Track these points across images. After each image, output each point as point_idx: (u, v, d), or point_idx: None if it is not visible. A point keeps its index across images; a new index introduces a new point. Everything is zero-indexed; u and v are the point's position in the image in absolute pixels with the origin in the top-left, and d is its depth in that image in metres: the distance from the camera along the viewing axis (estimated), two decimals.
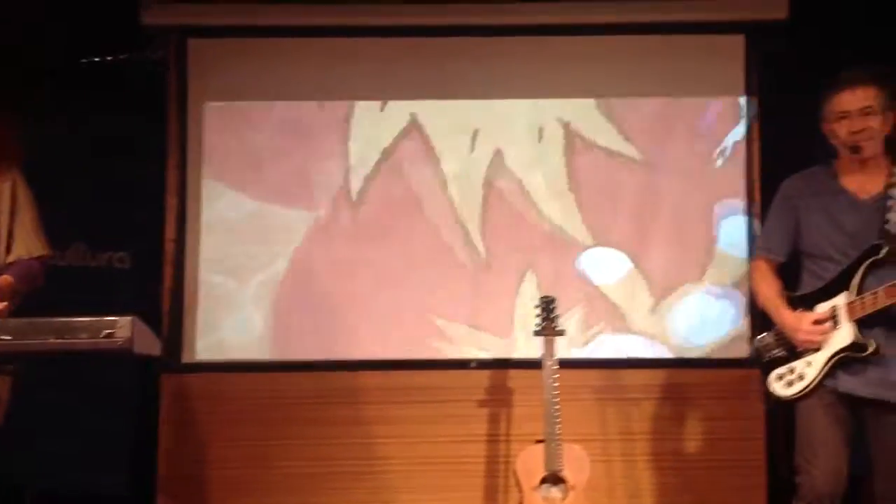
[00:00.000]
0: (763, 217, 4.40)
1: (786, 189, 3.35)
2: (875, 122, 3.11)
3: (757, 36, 4.57)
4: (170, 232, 4.53)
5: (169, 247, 4.52)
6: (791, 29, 4.45)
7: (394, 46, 4.60)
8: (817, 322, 3.10)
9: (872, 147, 3.13)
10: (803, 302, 3.20)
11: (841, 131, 3.14)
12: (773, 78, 4.51)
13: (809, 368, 3.12)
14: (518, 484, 3.89)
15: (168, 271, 4.51)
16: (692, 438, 4.41)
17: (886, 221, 3.07)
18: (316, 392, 4.43)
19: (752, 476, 4.35)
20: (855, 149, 3.12)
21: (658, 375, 4.44)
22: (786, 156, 4.37)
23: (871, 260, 3.06)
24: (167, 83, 4.59)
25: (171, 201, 4.54)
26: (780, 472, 4.32)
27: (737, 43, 4.62)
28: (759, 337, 3.35)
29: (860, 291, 3.06)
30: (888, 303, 2.98)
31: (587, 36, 4.61)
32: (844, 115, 3.12)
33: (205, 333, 4.49)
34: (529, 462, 3.88)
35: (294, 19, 4.56)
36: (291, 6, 4.55)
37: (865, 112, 3.10)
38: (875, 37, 4.41)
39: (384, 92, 4.59)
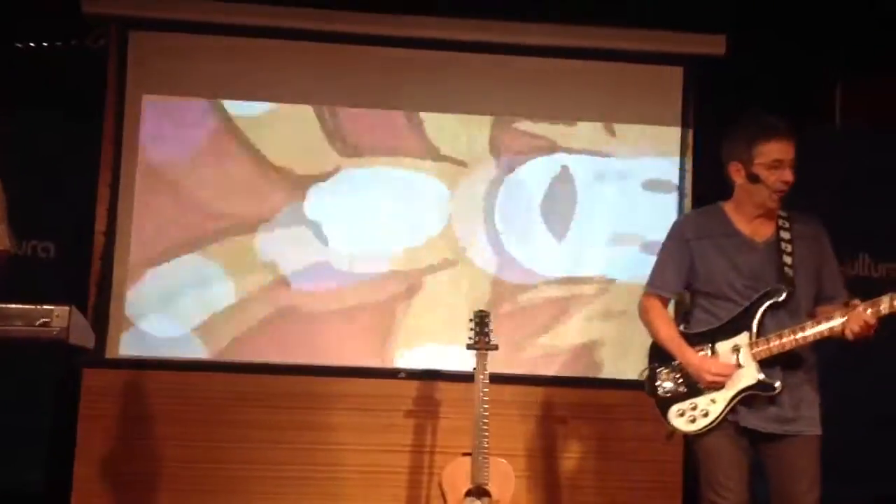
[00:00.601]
0: None
1: (680, 228, 3.35)
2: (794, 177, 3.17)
3: (695, 69, 4.69)
4: (100, 224, 4.44)
5: (98, 239, 4.43)
6: (728, 64, 4.57)
7: (339, 52, 4.61)
8: (721, 367, 3.14)
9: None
10: (701, 339, 3.22)
11: (771, 179, 3.12)
12: (710, 110, 4.63)
13: (714, 405, 3.15)
14: (443, 496, 3.89)
15: (96, 264, 4.41)
16: (614, 458, 4.47)
17: (784, 265, 3.14)
18: (240, 394, 4.38)
19: (668, 498, 4.44)
20: (780, 199, 3.15)
21: (585, 395, 4.50)
22: (718, 187, 4.52)
23: (771, 301, 3.12)
24: (106, 74, 4.50)
25: (103, 192, 4.45)
26: (694, 496, 4.44)
27: (675, 74, 4.72)
28: (651, 370, 3.31)
29: (759, 332, 3.12)
30: (793, 347, 3.06)
31: (525, 57, 4.67)
32: (778, 164, 3.12)
33: (130, 329, 4.41)
34: (455, 474, 3.89)
35: (238, 18, 4.52)
36: (237, 5, 4.51)
37: (792, 165, 3.14)
38: (804, 76, 4.61)
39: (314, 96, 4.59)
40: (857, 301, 3.01)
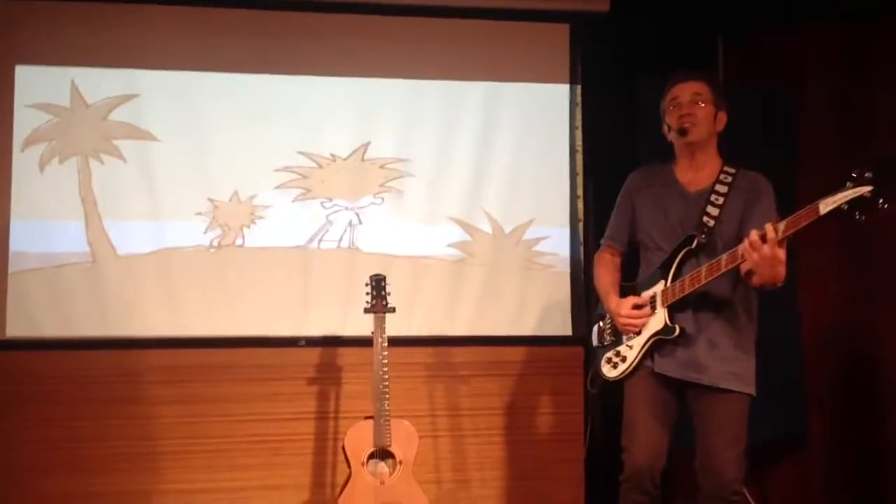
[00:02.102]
0: (586, 201, 4.63)
1: (628, 182, 3.49)
2: (701, 112, 3.25)
3: (581, 26, 4.72)
4: None
5: None
6: (612, 21, 4.62)
7: (211, 16, 4.50)
8: (636, 307, 3.26)
9: (697, 132, 3.26)
10: (632, 290, 3.37)
11: (672, 118, 3.28)
12: (597, 67, 4.67)
13: (630, 351, 3.29)
14: (347, 460, 3.88)
15: None
16: (516, 413, 4.52)
17: (706, 214, 3.23)
18: (135, 370, 4.28)
19: (571, 449, 4.52)
20: (682, 131, 3.25)
21: (485, 353, 4.53)
22: (609, 143, 4.60)
23: (685, 249, 3.22)
24: None
25: None
26: (597, 446, 4.54)
27: (562, 32, 4.75)
28: (598, 323, 3.50)
29: (675, 279, 3.22)
30: (692, 289, 3.15)
31: (411, 17, 4.62)
32: (675, 104, 3.27)
33: (15, 309, 4.26)
34: (358, 438, 3.88)
35: None
36: None
37: (694, 101, 3.25)
38: (687, 31, 4.69)
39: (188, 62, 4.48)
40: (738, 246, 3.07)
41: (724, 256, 3.08)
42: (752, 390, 3.20)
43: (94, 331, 4.31)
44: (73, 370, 4.23)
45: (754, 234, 2.95)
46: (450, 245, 4.60)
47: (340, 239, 4.52)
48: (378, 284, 4.03)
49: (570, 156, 4.70)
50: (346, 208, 4.53)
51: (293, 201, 4.49)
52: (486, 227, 4.63)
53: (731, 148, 4.41)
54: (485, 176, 4.64)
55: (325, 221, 4.50)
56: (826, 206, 2.84)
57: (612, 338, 3.39)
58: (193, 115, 4.45)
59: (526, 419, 4.52)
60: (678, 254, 3.23)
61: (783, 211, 4.47)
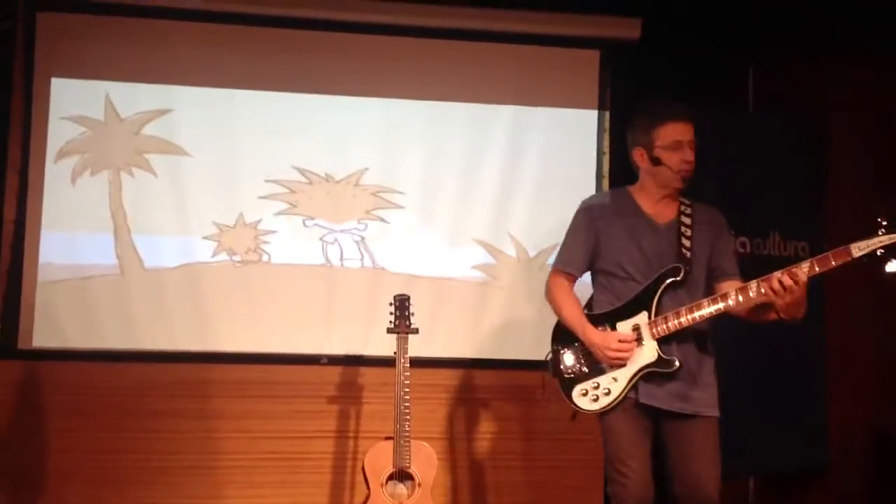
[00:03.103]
0: None
1: (588, 209, 3.40)
2: (694, 157, 3.24)
3: (611, 53, 4.74)
4: (9, 213, 4.31)
5: (7, 228, 4.31)
6: (644, 49, 4.63)
7: (246, 34, 4.54)
8: (622, 341, 3.21)
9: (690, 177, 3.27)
10: (603, 320, 3.28)
11: (674, 160, 3.20)
12: (626, 94, 4.68)
13: (615, 384, 3.21)
14: (366, 480, 3.89)
15: (6, 253, 4.29)
16: (536, 438, 4.52)
17: (682, 245, 3.23)
18: (160, 384, 4.31)
19: (590, 476, 4.47)
20: (684, 179, 3.23)
21: (506, 376, 4.53)
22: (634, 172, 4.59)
23: (669, 281, 3.20)
24: (13, 55, 4.37)
25: (12, 180, 4.33)
26: None
27: (592, 58, 4.77)
28: (554, 352, 3.36)
29: (658, 310, 3.19)
30: (689, 323, 3.14)
31: (442, 39, 4.66)
32: (678, 146, 3.20)
33: (43, 319, 4.30)
34: (377, 458, 3.89)
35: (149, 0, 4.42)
36: None
37: (692, 145, 3.22)
38: (718, 61, 4.69)
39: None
40: (752, 282, 3.08)
41: (732, 292, 3.10)
42: (719, 413, 3.24)
43: (120, 343, 4.34)
44: (97, 381, 4.27)
45: (787, 279, 2.96)
46: (474, 267, 4.61)
47: (363, 258, 4.54)
48: (402, 304, 4.04)
49: (597, 181, 4.71)
50: (333, 230, 4.55)
51: (275, 214, 4.50)
52: (511, 251, 4.64)
53: (756, 181, 4.46)
54: (511, 199, 4.66)
55: (327, 242, 4.53)
56: (859, 250, 2.89)
57: (586, 368, 3.27)
58: (225, 132, 4.49)
59: (545, 445, 4.51)
60: (660, 285, 3.20)
61: (811, 241, 4.54)
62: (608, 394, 3.22)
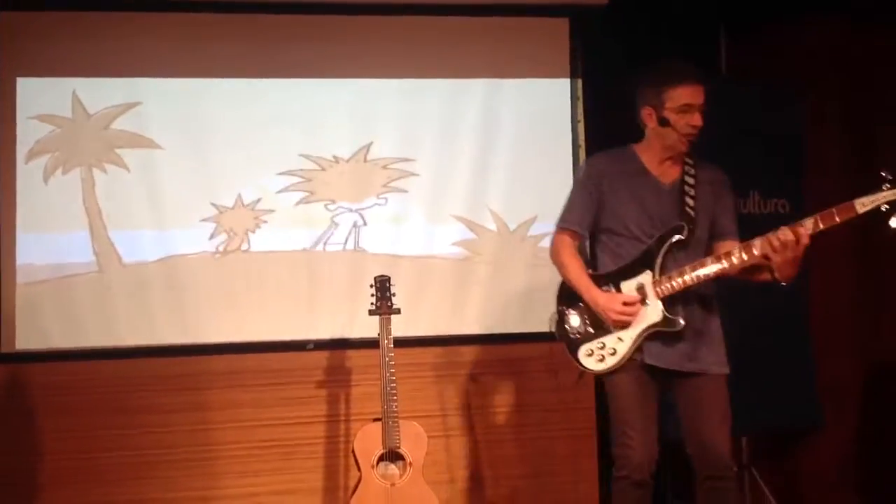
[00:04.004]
0: None
1: (591, 166, 3.42)
2: (702, 121, 3.23)
3: (581, 20, 4.70)
4: None
5: None
6: (613, 15, 4.59)
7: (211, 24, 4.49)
8: (627, 303, 3.20)
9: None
10: (607, 280, 3.28)
11: (681, 123, 3.19)
12: (598, 61, 4.65)
13: (621, 344, 3.21)
14: (357, 463, 3.89)
15: None
16: (527, 410, 4.52)
17: (686, 205, 3.22)
18: (147, 379, 4.29)
19: (583, 444, 4.52)
20: (689, 143, 3.23)
21: (494, 351, 4.53)
22: (609, 137, 4.57)
23: (673, 240, 3.20)
24: None
25: None
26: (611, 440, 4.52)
27: (562, 26, 4.73)
28: (560, 313, 3.36)
29: (662, 270, 3.19)
30: (693, 283, 3.15)
31: (409, 16, 4.62)
32: (687, 109, 3.18)
33: (25, 321, 4.27)
34: (367, 440, 3.89)
35: None
36: None
37: (701, 109, 3.20)
38: (689, 24, 4.66)
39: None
40: (756, 239, 3.08)
41: (735, 250, 3.10)
42: (728, 370, 3.28)
43: (103, 340, 4.32)
44: (83, 381, 4.25)
45: (789, 234, 2.95)
46: (455, 244, 4.60)
47: (346, 241, 4.52)
48: (383, 286, 4.03)
49: (573, 150, 4.69)
50: (350, 210, 4.54)
51: (296, 205, 4.49)
52: (491, 225, 4.62)
53: (732, 141, 4.44)
54: (488, 173, 4.64)
55: (329, 224, 4.51)
56: (863, 205, 2.89)
57: (590, 329, 3.27)
58: (195, 122, 4.46)
59: (537, 416, 4.52)
60: (664, 244, 3.20)
61: (790, 199, 4.53)
62: (614, 354, 3.22)
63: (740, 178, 4.42)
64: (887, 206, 2.86)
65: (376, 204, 4.56)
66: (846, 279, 4.56)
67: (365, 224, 4.53)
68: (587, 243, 3.46)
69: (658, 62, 3.29)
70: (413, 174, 4.58)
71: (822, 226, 2.94)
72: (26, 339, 4.27)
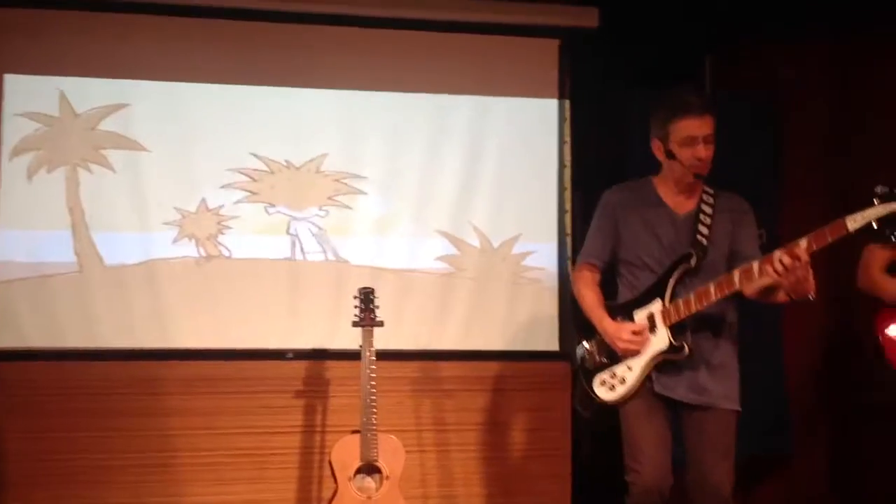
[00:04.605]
0: (573, 216, 4.63)
1: (608, 199, 3.44)
2: (712, 151, 3.24)
3: (570, 41, 4.73)
4: None
5: None
6: (602, 37, 4.63)
7: (202, 28, 4.49)
8: (635, 332, 3.23)
9: (706, 172, 3.27)
10: (622, 310, 3.33)
11: (685, 155, 3.21)
12: (586, 83, 4.69)
13: (630, 372, 3.25)
14: (333, 474, 3.88)
15: None
16: (502, 429, 4.52)
17: (698, 233, 3.24)
18: (123, 382, 4.25)
19: (557, 465, 4.52)
20: (698, 175, 3.25)
21: (472, 367, 4.53)
22: (597, 158, 4.61)
23: (682, 268, 3.22)
24: None
25: None
26: (584, 462, 4.53)
27: (552, 47, 4.76)
28: (582, 344, 3.42)
29: (672, 298, 3.21)
30: (698, 308, 3.16)
31: (400, 30, 4.63)
32: (690, 141, 3.20)
33: (2, 319, 4.22)
34: (344, 452, 3.88)
35: None
36: None
37: (708, 140, 3.21)
38: (675, 46, 4.71)
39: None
40: (754, 262, 3.08)
41: (736, 274, 3.10)
42: (739, 406, 3.28)
43: (81, 342, 4.28)
44: (59, 381, 4.21)
45: (787, 258, 2.93)
46: (437, 258, 4.60)
47: (325, 251, 4.51)
48: (366, 297, 4.03)
49: (559, 171, 4.70)
50: (294, 218, 4.51)
51: (235, 203, 4.45)
52: (474, 241, 4.63)
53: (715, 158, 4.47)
54: (473, 190, 4.65)
55: (288, 231, 4.49)
56: (854, 222, 2.87)
57: (604, 359, 3.32)
58: (180, 125, 4.43)
59: (512, 435, 4.52)
60: (673, 272, 3.23)
61: (767, 227, 4.56)
62: (623, 382, 3.25)
63: None
64: (878, 223, 2.85)
65: (317, 214, 4.52)
66: (818, 311, 4.60)
67: (321, 230, 4.51)
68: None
69: (666, 93, 3.31)
70: (397, 187, 4.58)
71: (815, 246, 2.94)
72: (2, 337, 4.22)
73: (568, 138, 4.72)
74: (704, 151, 3.20)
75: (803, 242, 2.94)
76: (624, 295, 3.36)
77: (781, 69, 4.72)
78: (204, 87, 4.47)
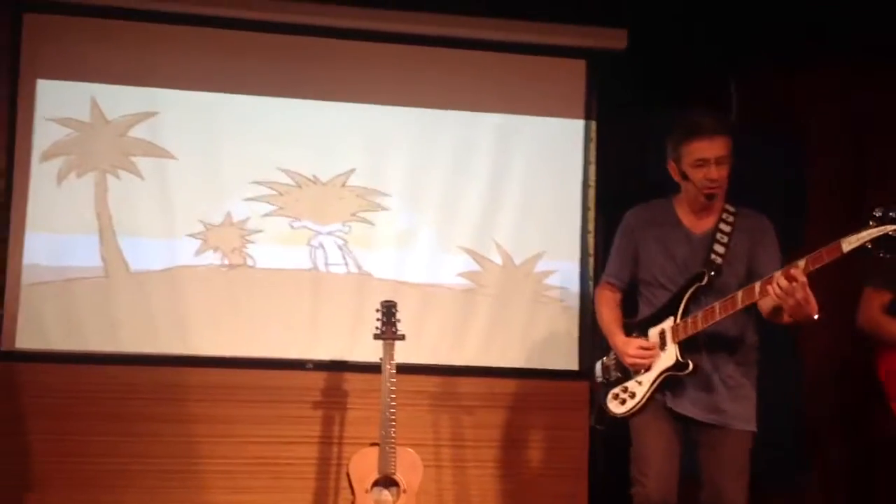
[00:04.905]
0: (596, 236, 4.64)
1: (628, 220, 3.50)
2: (726, 172, 3.26)
3: (597, 62, 4.75)
4: None
5: None
6: (630, 58, 4.65)
7: (235, 39, 4.53)
8: (643, 347, 3.29)
9: (721, 193, 3.30)
10: (638, 327, 3.39)
11: (697, 177, 3.25)
12: (612, 104, 4.71)
13: (640, 387, 3.31)
14: (350, 486, 3.88)
15: None
16: (520, 447, 4.52)
17: (714, 252, 3.28)
18: (144, 387, 4.28)
19: (574, 485, 4.51)
20: (710, 196, 3.28)
21: (491, 384, 4.53)
22: (621, 179, 4.62)
23: (695, 287, 3.25)
24: None
25: None
26: (600, 482, 4.52)
27: (579, 68, 4.79)
28: (601, 360, 3.51)
29: (684, 316, 3.25)
30: (705, 325, 3.18)
31: (428, 47, 4.66)
32: (702, 163, 3.23)
33: (27, 321, 4.26)
34: (362, 464, 3.89)
35: (135, 3, 4.40)
36: None
37: (721, 161, 3.23)
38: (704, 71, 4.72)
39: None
40: (756, 282, 3.10)
41: (739, 293, 3.11)
42: (755, 427, 3.30)
43: (104, 346, 4.31)
44: (81, 384, 4.24)
45: (783, 280, 2.95)
46: (459, 274, 4.61)
47: (346, 263, 4.53)
48: (389, 311, 4.04)
49: (583, 190, 4.72)
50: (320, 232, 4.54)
51: (263, 216, 4.49)
52: (497, 258, 4.64)
53: (740, 188, 4.47)
54: (497, 207, 4.67)
55: (317, 247, 4.52)
56: (849, 244, 2.89)
57: (619, 374, 3.40)
58: (209, 134, 4.48)
59: (529, 453, 4.52)
60: (687, 291, 3.26)
61: (789, 253, 4.56)
62: (633, 396, 3.32)
63: None
64: (870, 244, 2.86)
65: (340, 230, 4.54)
66: (836, 345, 4.58)
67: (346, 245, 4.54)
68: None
69: (681, 114, 3.34)
70: (421, 202, 4.60)
71: (812, 267, 2.95)
72: (26, 339, 4.26)
73: (593, 159, 4.74)
74: (717, 172, 3.22)
75: (801, 264, 2.97)
76: (643, 313, 3.42)
77: (804, 96, 4.72)
78: (233, 98, 4.51)
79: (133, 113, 4.44)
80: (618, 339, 3.38)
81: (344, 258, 4.53)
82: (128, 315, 4.34)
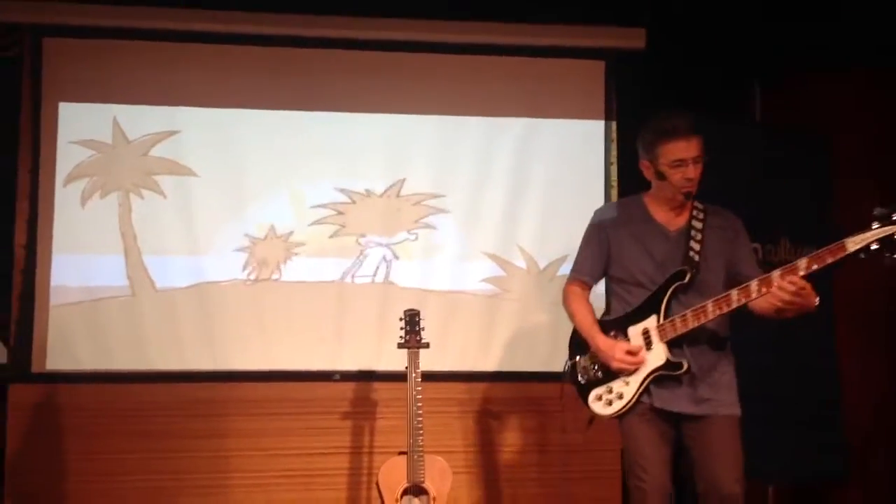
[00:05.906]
0: None
1: (598, 217, 3.49)
2: (701, 170, 3.27)
3: (616, 63, 4.74)
4: (20, 237, 4.34)
5: (19, 253, 4.33)
6: (648, 58, 4.63)
7: (258, 56, 4.56)
8: (630, 352, 3.25)
9: (696, 190, 3.30)
10: (615, 325, 3.34)
11: (675, 177, 3.25)
12: (633, 103, 4.68)
13: (627, 388, 3.27)
14: (380, 495, 3.89)
15: (18, 278, 4.32)
16: (550, 451, 4.50)
17: (690, 249, 3.26)
18: (174, 404, 4.33)
19: (607, 487, 4.49)
20: (688, 195, 3.28)
21: (519, 389, 4.52)
22: (643, 178, 4.58)
23: (676, 284, 3.24)
24: (20, 82, 4.40)
25: (22, 205, 4.35)
26: None
27: (598, 69, 4.77)
28: (575, 359, 3.43)
29: (667, 314, 3.23)
30: (694, 325, 3.17)
31: (448, 55, 4.68)
32: (680, 163, 3.23)
33: (56, 342, 4.31)
34: (392, 474, 3.89)
35: (153, 23, 4.46)
36: (152, 9, 4.43)
37: (697, 161, 3.24)
38: (725, 70, 4.69)
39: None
40: (753, 281, 3.10)
41: (734, 292, 3.12)
42: (739, 411, 3.27)
43: (133, 364, 4.36)
44: (111, 403, 4.29)
45: (783, 281, 2.97)
46: (484, 280, 4.61)
47: (375, 273, 4.54)
48: (412, 319, 4.04)
49: (605, 191, 4.70)
50: (381, 244, 4.57)
51: (330, 237, 4.53)
52: (521, 263, 4.64)
53: (763, 188, 4.44)
54: (519, 211, 4.67)
55: (359, 256, 4.54)
56: (854, 244, 2.89)
57: (599, 374, 3.33)
58: (231, 151, 4.51)
59: (560, 457, 4.48)
60: (668, 289, 3.24)
61: (819, 246, 4.51)
62: (621, 398, 3.28)
63: (770, 224, 4.49)
64: (876, 244, 2.85)
65: (406, 239, 4.59)
66: (875, 332, 4.53)
67: (396, 258, 4.56)
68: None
69: (654, 115, 3.33)
70: (444, 210, 4.61)
71: (814, 267, 2.96)
72: (57, 360, 4.32)
73: (614, 159, 4.72)
74: (693, 172, 3.24)
75: (802, 264, 2.97)
76: (616, 311, 3.38)
77: (832, 96, 4.68)
78: (254, 114, 4.55)
79: (154, 132, 4.49)
80: (600, 340, 3.31)
81: (376, 268, 4.54)
82: (155, 332, 4.39)
